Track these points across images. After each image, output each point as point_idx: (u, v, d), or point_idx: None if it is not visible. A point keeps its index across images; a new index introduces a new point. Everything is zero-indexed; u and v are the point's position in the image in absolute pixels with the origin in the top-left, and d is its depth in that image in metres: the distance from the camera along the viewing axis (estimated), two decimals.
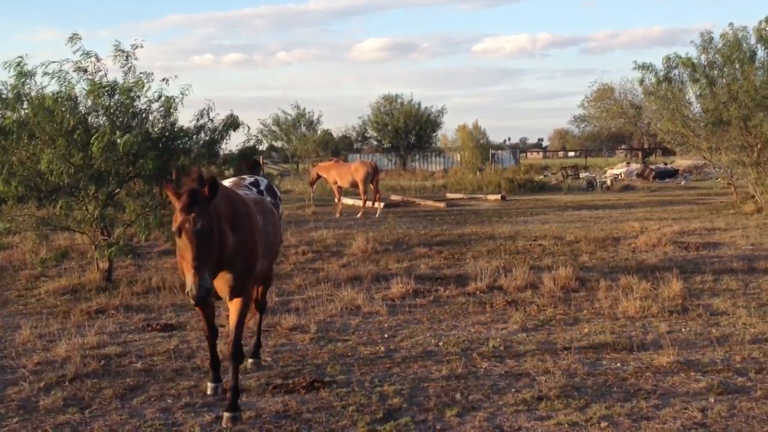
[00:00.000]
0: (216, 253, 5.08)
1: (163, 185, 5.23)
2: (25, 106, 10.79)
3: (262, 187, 6.95)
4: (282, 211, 7.37)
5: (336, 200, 22.10)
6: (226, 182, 6.83)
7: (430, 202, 24.14)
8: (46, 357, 7.11)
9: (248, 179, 7.02)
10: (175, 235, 5.03)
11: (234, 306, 5.76)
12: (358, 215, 20.25)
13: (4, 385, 6.40)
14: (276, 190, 7.24)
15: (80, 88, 10.88)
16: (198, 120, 11.98)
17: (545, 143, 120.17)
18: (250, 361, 6.83)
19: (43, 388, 6.24)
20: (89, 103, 10.94)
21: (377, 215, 20.08)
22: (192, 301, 4.89)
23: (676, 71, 20.77)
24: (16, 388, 6.29)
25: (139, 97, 11.08)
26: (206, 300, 5.03)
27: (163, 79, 11.43)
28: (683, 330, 7.65)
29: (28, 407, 5.85)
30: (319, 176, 23.01)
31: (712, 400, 5.62)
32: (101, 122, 11.01)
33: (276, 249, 6.85)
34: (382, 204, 21.52)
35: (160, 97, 11.36)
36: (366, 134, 55.33)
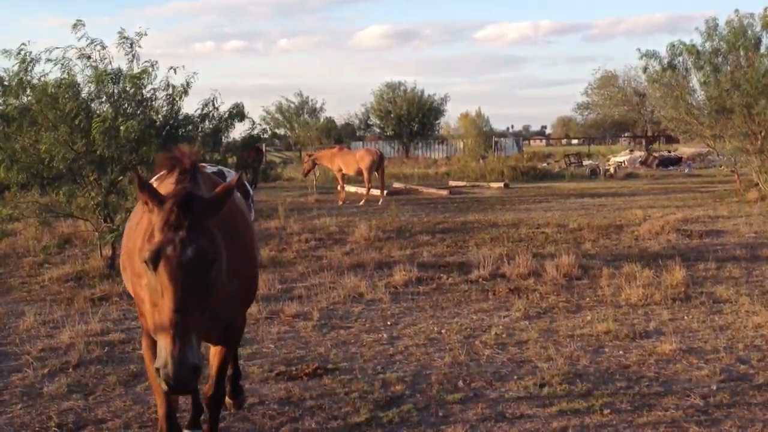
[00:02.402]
0: (212, 301, 3.34)
1: (136, 184, 3.45)
2: (27, 92, 10.80)
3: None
4: (252, 216, 5.28)
5: (339, 188, 22.08)
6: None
7: (432, 190, 24.11)
8: (50, 344, 7.14)
9: (208, 169, 5.03)
10: (146, 265, 3.20)
11: (218, 348, 4.29)
12: (361, 203, 20.24)
13: (9, 371, 6.42)
14: (247, 186, 5.35)
15: (84, 75, 10.91)
16: (203, 109, 12.01)
17: (548, 131, 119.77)
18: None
19: (47, 375, 6.27)
20: (92, 89, 10.96)
21: (380, 203, 20.07)
22: (164, 386, 3.08)
23: (680, 58, 20.65)
24: (20, 374, 6.32)
25: (145, 85, 11.11)
26: (189, 385, 3.09)
27: (171, 68, 11.46)
28: (686, 318, 7.66)
29: (32, 393, 5.87)
30: (314, 165, 22.94)
31: (715, 388, 5.63)
32: (104, 109, 11.03)
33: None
34: (384, 192, 21.50)
35: (167, 86, 11.39)
36: (369, 122, 55.23)
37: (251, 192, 5.40)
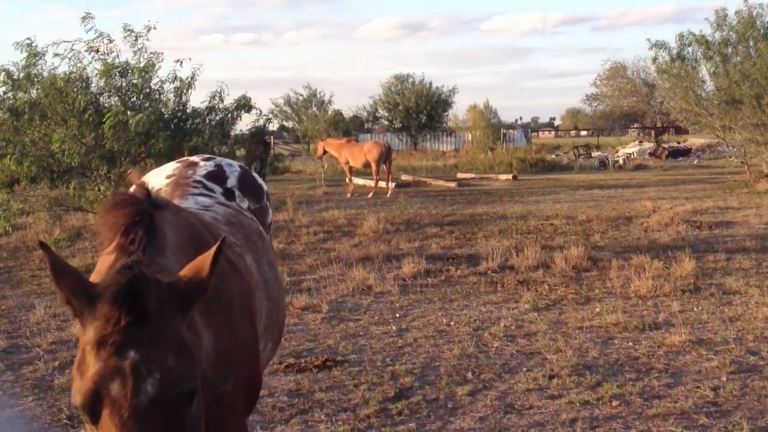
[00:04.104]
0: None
1: (49, 267, 2.06)
2: (36, 86, 10.85)
3: (231, 183, 3.70)
4: (272, 219, 4.21)
5: (347, 180, 22.07)
6: (154, 175, 3.68)
7: (441, 182, 24.09)
8: (60, 336, 7.17)
9: (202, 166, 3.76)
10: (81, 410, 1.96)
11: None
12: (369, 195, 20.23)
13: (20, 364, 6.46)
14: (260, 182, 4.03)
15: (92, 68, 10.96)
16: (210, 101, 12.05)
17: (557, 122, 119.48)
18: None
19: (57, 368, 6.30)
20: (101, 83, 11.00)
21: (388, 195, 20.06)
22: None
23: (690, 49, 20.58)
24: (31, 367, 6.36)
25: (151, 77, 11.14)
26: None
27: (177, 61, 11.51)
28: (695, 309, 7.63)
29: (42, 386, 5.91)
30: (325, 151, 22.93)
31: (724, 379, 5.62)
32: (113, 102, 11.08)
33: (281, 319, 3.56)
34: (393, 184, 21.49)
35: (175, 78, 11.44)
36: (377, 114, 55.21)
37: (265, 188, 4.08)
